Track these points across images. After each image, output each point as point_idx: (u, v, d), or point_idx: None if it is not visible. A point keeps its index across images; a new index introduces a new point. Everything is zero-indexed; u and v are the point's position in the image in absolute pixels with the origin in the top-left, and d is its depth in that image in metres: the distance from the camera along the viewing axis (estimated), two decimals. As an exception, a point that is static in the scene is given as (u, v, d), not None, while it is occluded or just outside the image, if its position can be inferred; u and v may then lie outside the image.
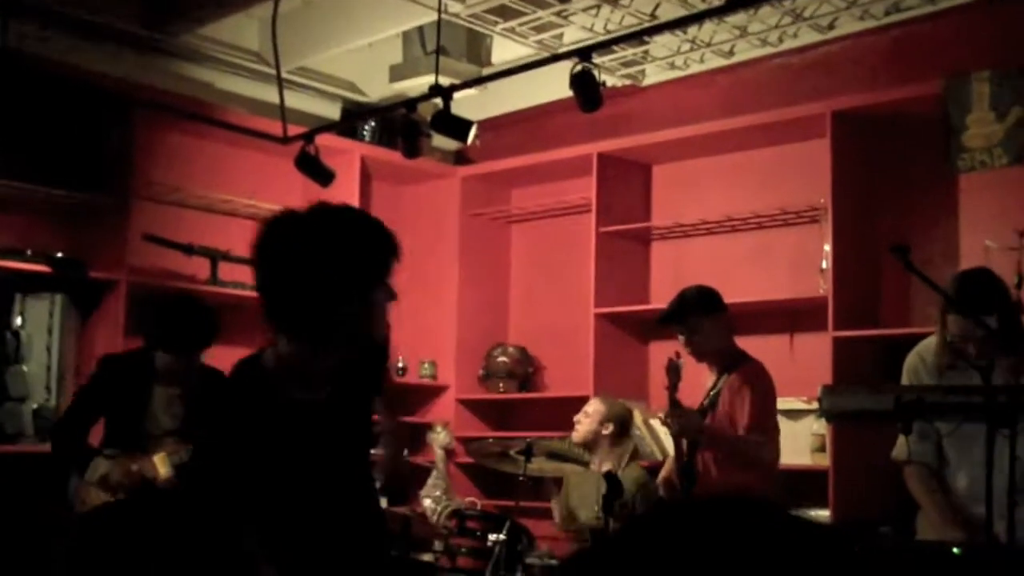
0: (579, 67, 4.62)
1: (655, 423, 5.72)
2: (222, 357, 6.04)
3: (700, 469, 4.62)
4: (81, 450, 4.56)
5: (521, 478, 5.13)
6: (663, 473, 4.84)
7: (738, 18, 5.60)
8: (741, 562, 0.96)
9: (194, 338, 4.64)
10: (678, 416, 4.53)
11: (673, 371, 4.56)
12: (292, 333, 2.71)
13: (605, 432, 5.36)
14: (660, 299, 5.68)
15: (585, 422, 5.40)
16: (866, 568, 0.99)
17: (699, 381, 4.76)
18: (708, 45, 5.95)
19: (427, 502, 5.84)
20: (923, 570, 3.24)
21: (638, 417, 5.80)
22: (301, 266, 2.61)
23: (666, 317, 4.78)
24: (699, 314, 4.68)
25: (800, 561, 0.97)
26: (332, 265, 2.61)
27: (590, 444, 5.36)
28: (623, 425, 5.44)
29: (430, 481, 6.10)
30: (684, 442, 4.63)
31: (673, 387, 4.54)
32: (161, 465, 4.53)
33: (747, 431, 4.52)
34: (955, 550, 3.29)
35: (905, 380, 3.94)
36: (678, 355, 4.63)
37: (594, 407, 5.45)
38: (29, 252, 5.55)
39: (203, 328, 4.66)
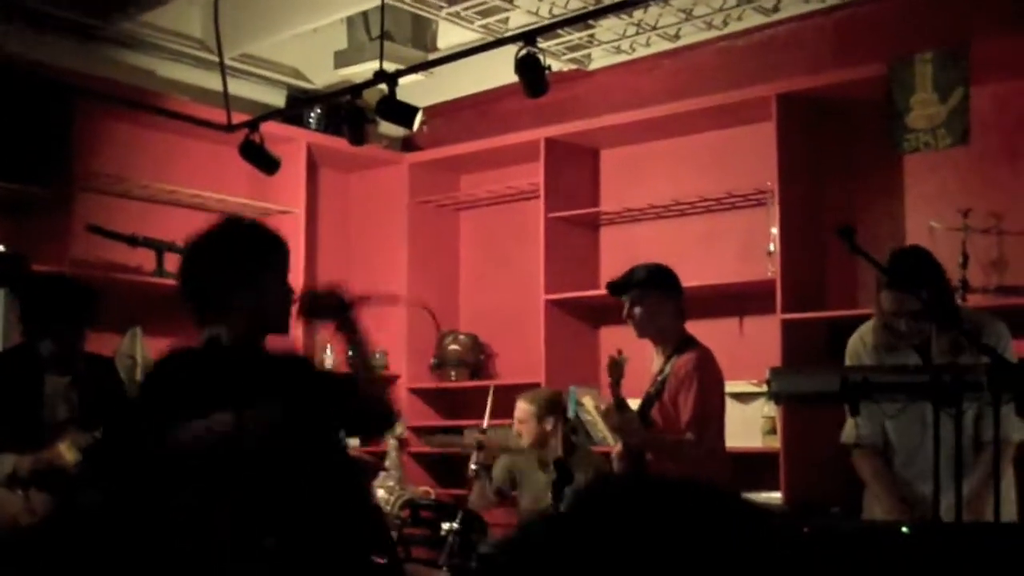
0: (524, 51, 4.60)
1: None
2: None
3: (649, 458, 4.58)
4: None
5: (474, 466, 5.12)
6: (616, 448, 4.79)
7: (683, 1, 5.60)
8: (684, 546, 0.94)
9: (72, 317, 4.49)
10: (620, 420, 4.50)
11: (615, 368, 4.47)
12: (221, 320, 3.14)
13: (548, 427, 5.30)
14: (609, 284, 5.67)
15: (524, 428, 5.33)
16: (807, 554, 0.98)
17: (644, 365, 4.72)
18: (654, 28, 5.94)
19: (380, 492, 5.80)
20: (873, 549, 3.27)
21: (589, 403, 5.79)
22: (206, 268, 3.19)
23: (616, 283, 4.62)
24: (650, 286, 4.51)
25: (743, 546, 0.96)
26: (227, 262, 3.14)
27: (542, 443, 5.30)
28: (559, 410, 5.38)
29: (383, 471, 6.06)
30: None
31: (616, 383, 4.46)
32: (68, 452, 4.43)
33: (687, 426, 4.40)
34: (904, 529, 3.33)
35: (848, 363, 3.97)
36: (620, 352, 4.57)
37: (522, 411, 5.35)
38: (-32, 245, 5.45)
39: (78, 305, 4.51)
